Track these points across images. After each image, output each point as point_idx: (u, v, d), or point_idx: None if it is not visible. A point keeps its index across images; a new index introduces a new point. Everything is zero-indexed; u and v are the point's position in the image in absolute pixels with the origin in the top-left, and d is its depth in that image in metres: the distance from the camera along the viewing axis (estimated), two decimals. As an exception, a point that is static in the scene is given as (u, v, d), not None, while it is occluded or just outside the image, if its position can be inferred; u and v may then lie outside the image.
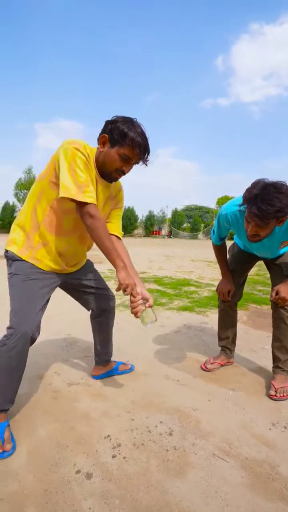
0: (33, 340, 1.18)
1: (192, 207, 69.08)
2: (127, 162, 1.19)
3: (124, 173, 1.23)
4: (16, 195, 36.74)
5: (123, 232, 1.48)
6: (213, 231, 1.73)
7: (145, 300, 1.22)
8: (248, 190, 1.22)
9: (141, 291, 1.22)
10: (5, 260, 1.32)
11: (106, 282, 1.61)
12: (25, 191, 36.65)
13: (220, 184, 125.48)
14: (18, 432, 1.22)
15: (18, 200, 36.74)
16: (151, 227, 40.47)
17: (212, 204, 66.02)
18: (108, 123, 1.19)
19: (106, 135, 1.17)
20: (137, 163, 1.22)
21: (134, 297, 1.16)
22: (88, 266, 1.53)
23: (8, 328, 1.15)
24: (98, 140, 1.22)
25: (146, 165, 1.23)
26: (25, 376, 1.24)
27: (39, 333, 1.20)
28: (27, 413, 1.35)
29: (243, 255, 1.80)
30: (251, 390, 1.60)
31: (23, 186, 36.65)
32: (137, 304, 1.17)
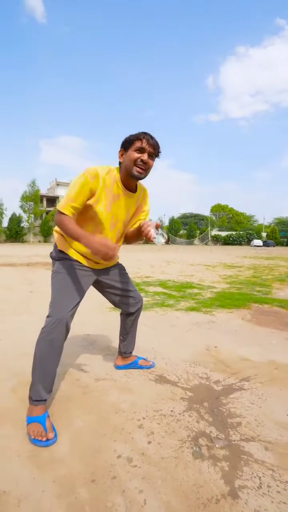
0: (67, 329, 1.28)
1: (188, 214, 69.48)
2: (142, 152, 1.27)
3: (144, 163, 1.28)
4: (21, 206, 36.86)
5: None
6: None
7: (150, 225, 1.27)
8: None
9: (144, 221, 1.30)
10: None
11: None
12: (30, 202, 36.78)
13: (213, 193, 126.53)
14: (57, 423, 1.25)
15: (24, 212, 36.87)
16: (150, 234, 40.48)
17: (206, 212, 66.56)
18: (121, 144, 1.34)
19: (122, 149, 1.33)
20: (153, 153, 1.29)
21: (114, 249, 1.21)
22: (119, 270, 1.61)
23: (47, 316, 1.27)
24: (118, 159, 1.35)
25: (159, 156, 1.33)
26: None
27: (71, 322, 1.30)
28: (62, 407, 1.38)
29: None
30: (264, 381, 1.64)
31: (28, 198, 36.82)
32: (147, 229, 1.23)
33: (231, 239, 46.22)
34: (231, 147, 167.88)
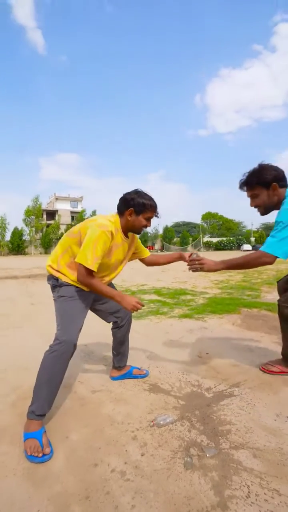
0: (75, 348, 1.31)
1: (181, 223, 69.95)
2: (150, 221, 1.48)
3: (147, 227, 1.49)
4: (24, 220, 36.93)
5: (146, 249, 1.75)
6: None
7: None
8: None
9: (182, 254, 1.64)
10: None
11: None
12: (32, 216, 36.91)
13: (204, 202, 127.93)
14: (54, 438, 1.22)
15: (26, 225, 36.90)
16: (145, 243, 40.78)
17: (198, 220, 67.07)
18: (127, 200, 1.41)
19: (132, 209, 1.41)
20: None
21: (142, 306, 1.38)
22: (110, 285, 1.60)
23: (56, 338, 1.28)
24: (121, 211, 1.44)
25: (158, 217, 1.51)
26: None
27: (77, 341, 1.33)
28: (59, 420, 1.35)
29: None
30: (253, 386, 1.63)
31: (31, 213, 37.00)
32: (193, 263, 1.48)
33: (222, 244, 46.46)
34: (219, 159, 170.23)
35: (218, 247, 46.17)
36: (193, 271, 1.49)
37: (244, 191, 1.57)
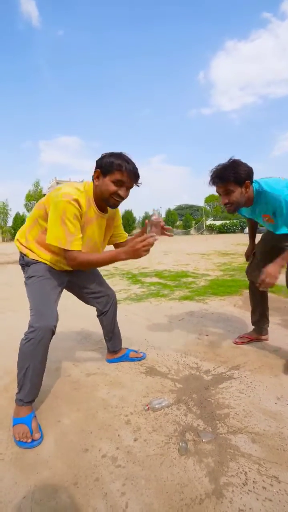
0: (54, 332, 1.17)
1: (183, 206, 68.97)
2: (120, 186, 1.17)
3: (121, 197, 1.20)
4: (26, 205, 36.73)
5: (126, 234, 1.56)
6: None
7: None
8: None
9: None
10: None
11: (112, 279, 1.58)
12: (34, 201, 36.71)
13: (207, 184, 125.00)
14: (44, 422, 1.18)
15: (28, 211, 36.76)
16: (148, 226, 40.43)
17: (201, 202, 65.99)
18: (97, 160, 1.19)
19: (98, 170, 1.17)
20: (131, 186, 1.22)
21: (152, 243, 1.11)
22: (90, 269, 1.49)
23: (31, 325, 1.14)
24: (92, 177, 1.21)
25: (138, 186, 1.24)
26: (45, 369, 1.20)
27: (57, 322, 1.18)
28: (51, 404, 1.31)
29: (267, 236, 1.75)
30: (253, 368, 1.57)
31: (32, 198, 36.75)
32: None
33: (225, 227, 45.87)
34: (223, 138, 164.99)
35: (222, 230, 45.65)
36: (264, 287, 1.30)
37: (213, 185, 1.43)
